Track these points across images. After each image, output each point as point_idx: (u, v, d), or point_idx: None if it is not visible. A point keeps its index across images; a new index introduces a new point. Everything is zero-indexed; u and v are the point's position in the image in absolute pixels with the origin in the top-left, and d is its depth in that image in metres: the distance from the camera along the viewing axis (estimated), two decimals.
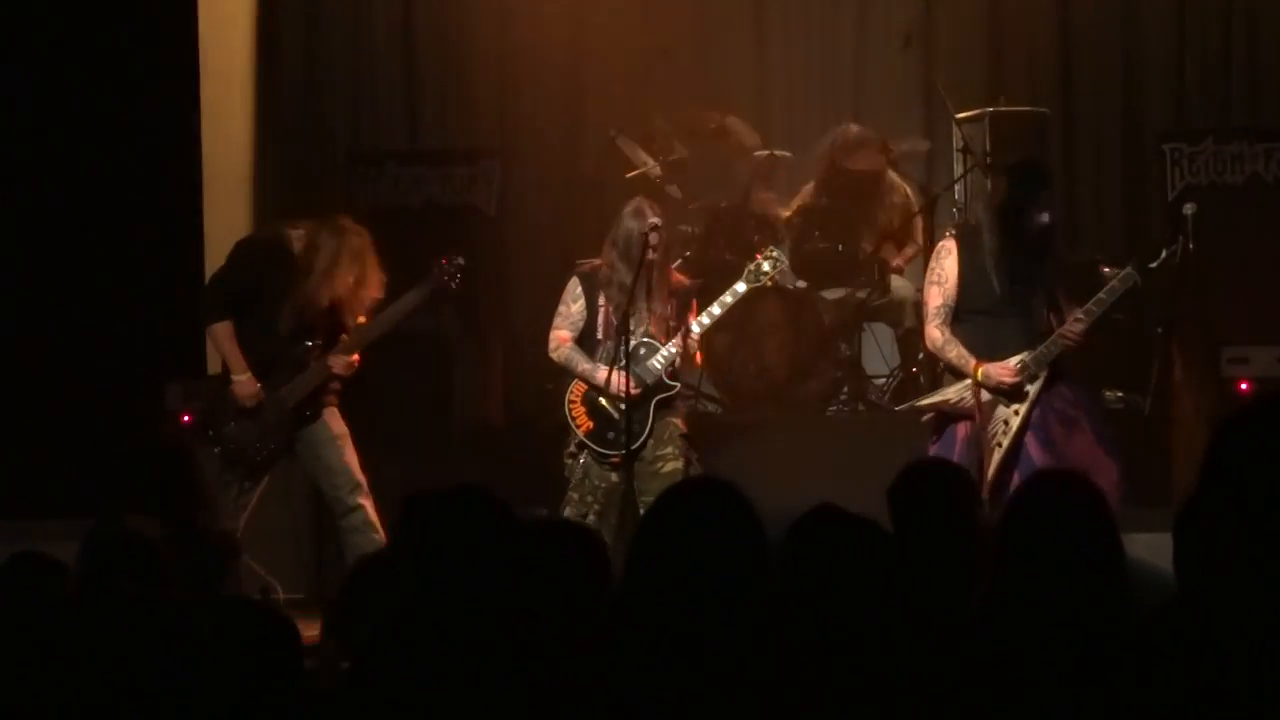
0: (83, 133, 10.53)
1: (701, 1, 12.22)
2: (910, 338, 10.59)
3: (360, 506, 8.40)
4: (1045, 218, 7.88)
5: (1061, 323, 7.93)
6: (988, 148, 10.65)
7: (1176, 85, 11.65)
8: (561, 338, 8.61)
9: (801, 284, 10.55)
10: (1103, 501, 3.77)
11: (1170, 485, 9.43)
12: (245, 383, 8.44)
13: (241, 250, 8.74)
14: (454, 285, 8.78)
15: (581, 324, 8.57)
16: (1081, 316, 7.86)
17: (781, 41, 12.38)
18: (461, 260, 8.79)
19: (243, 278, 8.53)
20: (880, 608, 4.01)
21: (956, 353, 7.96)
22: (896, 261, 10.71)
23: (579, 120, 11.88)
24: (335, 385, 8.59)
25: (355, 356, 8.55)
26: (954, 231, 8.35)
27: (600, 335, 8.52)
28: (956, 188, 10.80)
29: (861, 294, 10.55)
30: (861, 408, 10.42)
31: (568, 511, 8.36)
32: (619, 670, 3.47)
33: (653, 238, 8.34)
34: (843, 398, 10.49)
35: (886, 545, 4.10)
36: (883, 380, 10.72)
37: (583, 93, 11.95)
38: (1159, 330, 9.87)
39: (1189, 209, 9.48)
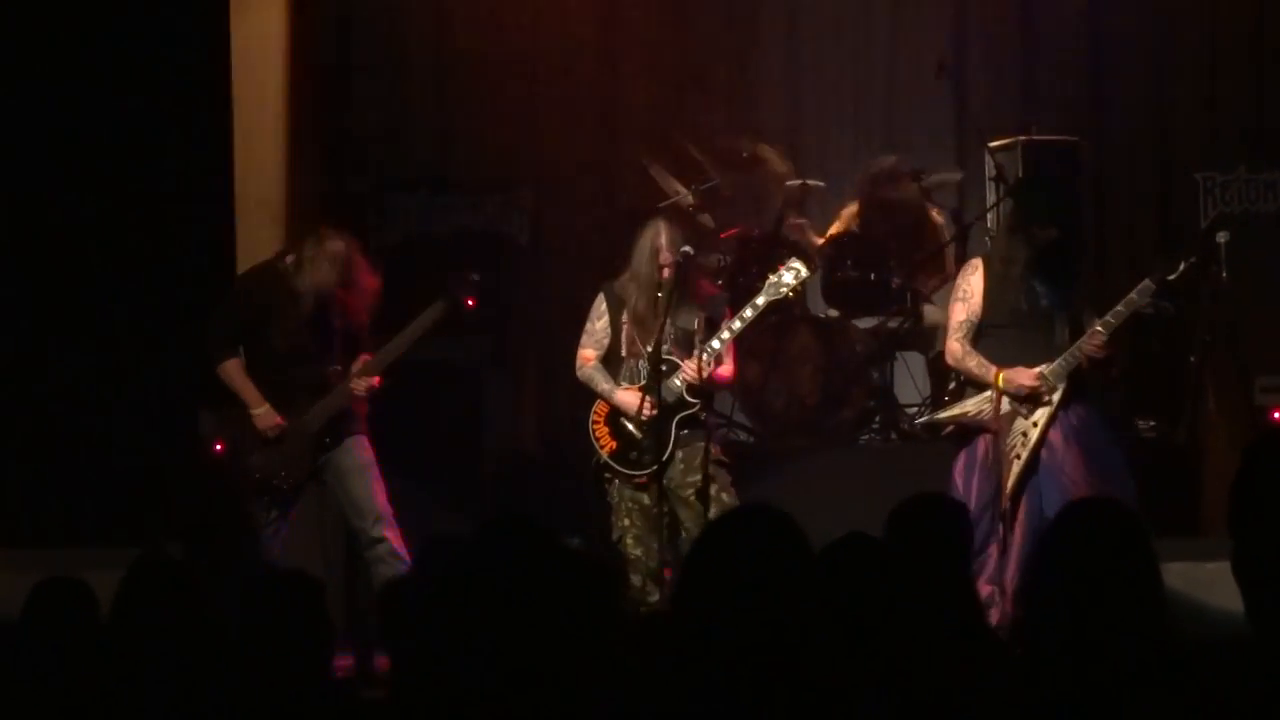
0: (115, 162, 10.56)
1: (734, 30, 12.22)
2: (940, 360, 10.60)
3: (384, 539, 8.37)
4: (1051, 232, 7.96)
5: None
6: (1020, 176, 10.64)
7: (1208, 114, 11.62)
8: (585, 356, 8.56)
9: (833, 313, 10.55)
10: (1141, 529, 3.75)
11: (1203, 515, 9.41)
12: (264, 415, 8.47)
13: (235, 285, 8.78)
14: (471, 302, 8.72)
15: (606, 341, 8.51)
16: (1100, 329, 7.95)
17: (814, 70, 12.38)
18: (478, 276, 8.75)
19: (239, 312, 8.58)
20: (907, 635, 4.01)
21: (976, 362, 8.13)
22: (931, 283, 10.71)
23: (611, 148, 11.89)
24: (361, 411, 8.61)
25: (376, 380, 8.55)
26: (981, 253, 8.43)
27: (624, 353, 8.46)
28: (989, 216, 10.79)
29: (893, 323, 10.55)
30: (894, 436, 10.41)
31: (615, 536, 8.33)
32: (666, 698, 3.46)
33: (663, 256, 8.30)
34: (875, 426, 10.48)
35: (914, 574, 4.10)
36: (915, 409, 10.70)
37: (615, 121, 11.96)
38: (1191, 359, 9.85)
39: (1222, 237, 9.47)
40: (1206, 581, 7.52)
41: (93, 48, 10.59)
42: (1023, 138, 10.89)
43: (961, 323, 8.19)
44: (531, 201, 11.39)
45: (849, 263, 10.52)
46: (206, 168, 10.73)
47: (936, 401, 10.51)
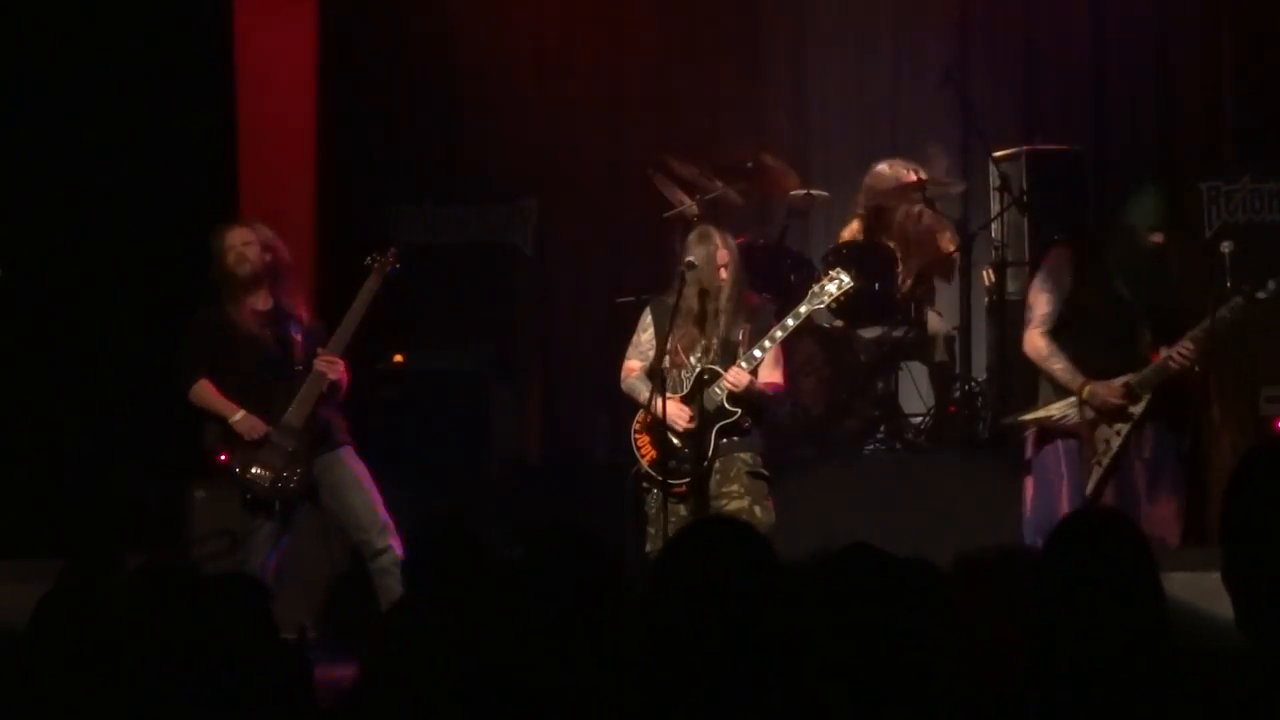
0: (119, 173, 10.59)
1: (740, 40, 12.24)
2: (943, 371, 10.60)
3: (389, 548, 8.39)
4: (1158, 238, 7.93)
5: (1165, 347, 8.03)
6: (1024, 185, 10.65)
7: (1212, 123, 11.62)
8: (630, 367, 8.53)
9: (838, 323, 10.55)
10: (1141, 539, 3.76)
11: (1207, 524, 9.40)
12: (243, 420, 8.50)
13: (187, 327, 8.78)
14: (398, 266, 8.79)
15: (651, 353, 8.43)
16: (1190, 342, 7.95)
17: (818, 80, 12.40)
18: (393, 248, 8.83)
19: (194, 343, 8.65)
20: (913, 647, 4.01)
21: (1062, 366, 8.03)
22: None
23: (617, 159, 11.90)
24: (342, 424, 8.64)
25: (340, 360, 8.57)
26: (1067, 241, 8.35)
27: (668, 364, 8.39)
28: (993, 225, 10.80)
29: (898, 332, 10.55)
30: (898, 447, 10.41)
31: (649, 547, 8.26)
32: (633, 710, 3.46)
33: (720, 255, 8.26)
34: (879, 436, 10.48)
35: (918, 584, 4.10)
36: (919, 419, 10.70)
37: (621, 131, 11.98)
38: (1196, 368, 9.84)
39: (1226, 247, 9.44)
40: (1210, 591, 7.50)
41: (96, 60, 10.62)
42: (1026, 147, 10.91)
43: (1045, 315, 8.08)
44: (536, 212, 11.39)
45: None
46: (212, 180, 10.75)
47: (940, 410, 10.53)
